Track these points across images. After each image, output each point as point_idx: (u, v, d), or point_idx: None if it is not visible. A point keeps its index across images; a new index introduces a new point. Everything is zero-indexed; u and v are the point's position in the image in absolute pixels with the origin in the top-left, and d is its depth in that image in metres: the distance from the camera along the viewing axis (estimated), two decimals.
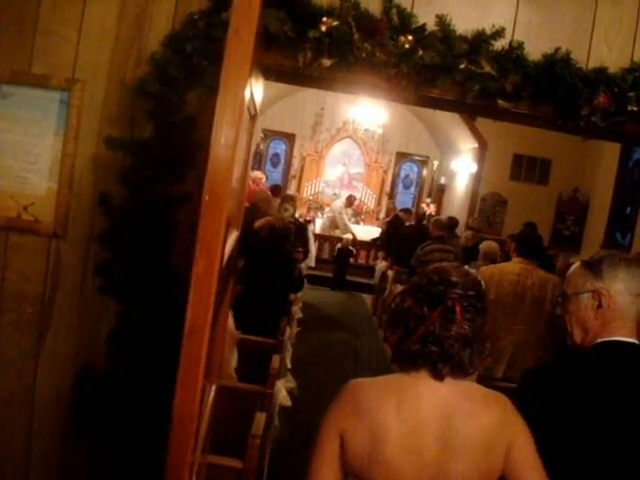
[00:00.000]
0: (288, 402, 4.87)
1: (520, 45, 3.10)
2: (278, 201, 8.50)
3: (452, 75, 3.06)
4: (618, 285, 1.92)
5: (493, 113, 3.39)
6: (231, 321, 3.96)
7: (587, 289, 1.96)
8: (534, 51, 3.11)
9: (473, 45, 3.06)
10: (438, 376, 1.70)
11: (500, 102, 3.09)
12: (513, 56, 3.06)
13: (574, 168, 12.09)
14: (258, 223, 5.66)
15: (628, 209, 10.37)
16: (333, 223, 14.37)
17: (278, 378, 4.53)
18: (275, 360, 4.35)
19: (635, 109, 3.02)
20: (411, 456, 1.65)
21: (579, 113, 3.06)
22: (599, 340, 1.92)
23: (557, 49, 3.07)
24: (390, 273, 9.74)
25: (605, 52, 3.23)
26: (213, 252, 1.70)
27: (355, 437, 1.69)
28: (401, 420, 1.67)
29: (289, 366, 5.90)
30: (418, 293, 1.75)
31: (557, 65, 3.02)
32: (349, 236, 13.68)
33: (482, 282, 1.80)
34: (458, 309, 1.70)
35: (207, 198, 1.67)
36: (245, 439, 3.10)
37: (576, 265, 2.05)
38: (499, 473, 1.70)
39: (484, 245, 6.95)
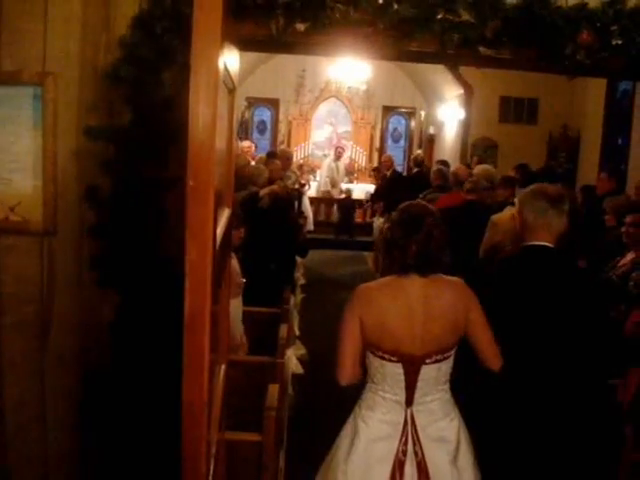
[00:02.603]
0: (300, 369, 4.89)
1: None
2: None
3: (430, 26, 3.00)
4: (525, 206, 2.95)
5: (476, 61, 3.34)
6: (236, 265, 3.94)
7: (513, 212, 3.10)
8: None
9: None
10: (423, 276, 2.56)
11: (481, 49, 3.05)
12: (490, 1, 2.99)
13: (562, 105, 11.96)
14: (263, 192, 5.65)
15: (620, 140, 10.30)
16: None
17: (288, 347, 4.54)
18: (283, 329, 4.35)
19: (619, 42, 2.96)
20: (405, 326, 2.53)
21: (563, 52, 3.01)
22: (523, 244, 2.97)
23: None
24: None
25: None
26: (204, 237, 1.66)
27: (368, 318, 2.55)
28: (396, 304, 2.55)
29: (297, 333, 5.92)
30: (402, 225, 2.56)
31: (536, 5, 2.96)
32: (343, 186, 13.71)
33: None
34: (435, 230, 2.52)
35: (192, 183, 1.63)
36: (261, 411, 3.12)
37: None
38: (463, 329, 2.60)
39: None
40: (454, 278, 2.66)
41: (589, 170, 10.74)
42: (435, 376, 2.58)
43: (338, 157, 14.57)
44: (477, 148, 12.70)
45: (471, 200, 5.71)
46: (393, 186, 10.67)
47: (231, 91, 2.38)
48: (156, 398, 2.88)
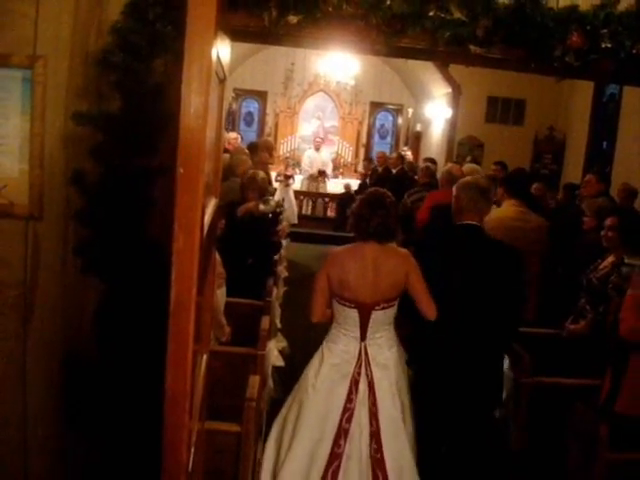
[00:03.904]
0: (281, 362, 4.89)
1: None
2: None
3: (422, 23, 3.02)
4: (462, 193, 3.61)
5: (466, 59, 3.36)
6: (217, 258, 3.93)
7: (454, 195, 3.69)
8: None
9: None
10: (380, 243, 3.37)
11: (472, 48, 3.06)
12: (483, 0, 3.00)
13: (549, 106, 12.04)
14: (239, 211, 5.64)
15: (604, 144, 10.37)
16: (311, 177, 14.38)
17: (269, 339, 4.54)
18: (264, 321, 4.35)
19: (609, 45, 2.99)
20: (361, 280, 3.34)
21: (552, 54, 3.03)
22: (457, 222, 3.63)
23: None
24: None
25: None
26: (192, 226, 1.66)
27: (334, 275, 3.38)
28: (355, 264, 3.36)
29: (279, 326, 5.92)
30: (368, 204, 3.38)
31: (527, 6, 2.98)
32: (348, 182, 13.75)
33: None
34: (392, 209, 3.38)
35: (181, 171, 1.63)
36: (241, 402, 3.13)
37: None
38: (403, 287, 3.37)
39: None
40: (402, 249, 3.56)
41: (574, 172, 10.82)
42: (382, 319, 3.42)
43: (317, 148, 14.61)
44: (463, 147, 12.74)
45: None
46: (381, 182, 10.68)
47: (222, 81, 2.38)
48: (139, 385, 2.87)
